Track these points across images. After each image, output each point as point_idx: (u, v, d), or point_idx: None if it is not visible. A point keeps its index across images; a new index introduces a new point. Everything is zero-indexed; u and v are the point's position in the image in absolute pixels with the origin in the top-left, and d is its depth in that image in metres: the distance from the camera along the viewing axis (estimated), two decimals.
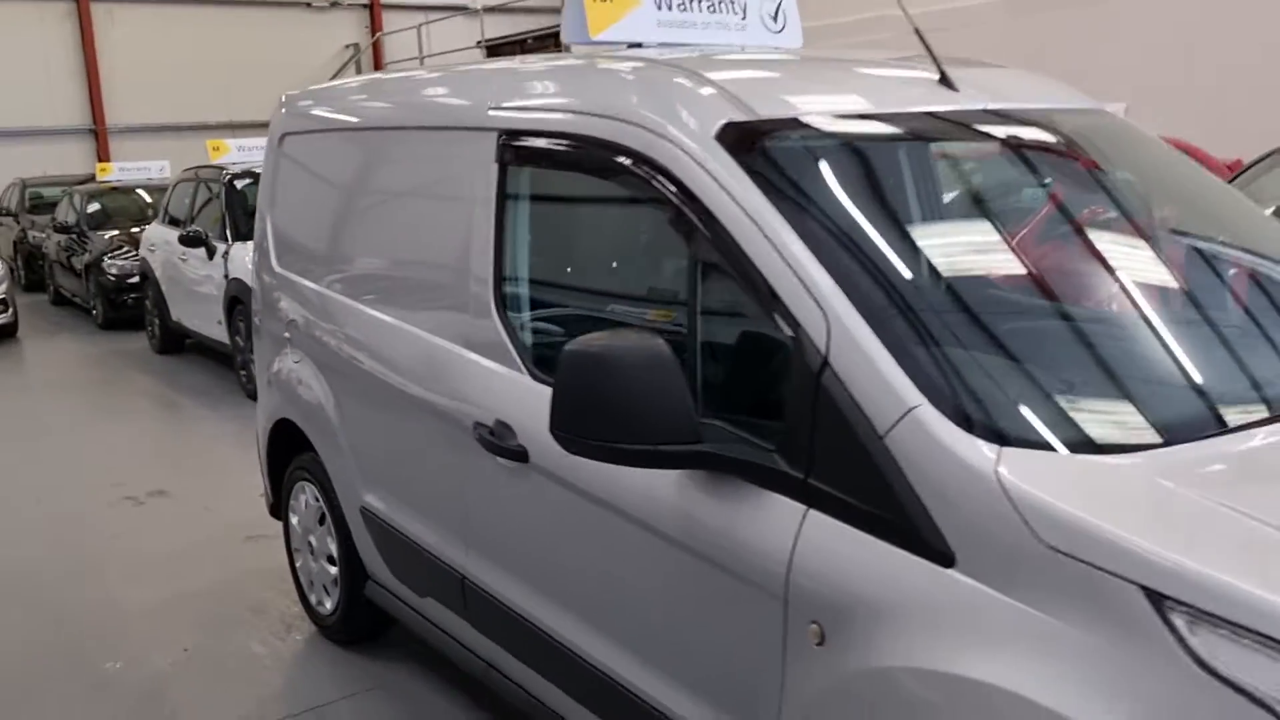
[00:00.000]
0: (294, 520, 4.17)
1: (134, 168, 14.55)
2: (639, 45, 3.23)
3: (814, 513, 1.99)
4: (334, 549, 3.86)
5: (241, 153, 10.18)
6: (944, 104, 2.58)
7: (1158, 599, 1.57)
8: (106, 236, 12.32)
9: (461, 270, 2.95)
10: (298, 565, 4.21)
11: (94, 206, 13.35)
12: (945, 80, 2.63)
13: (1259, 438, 1.88)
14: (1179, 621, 1.54)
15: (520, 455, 2.65)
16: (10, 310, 11.48)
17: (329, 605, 3.99)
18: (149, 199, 13.51)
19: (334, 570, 3.89)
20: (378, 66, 24.14)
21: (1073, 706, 1.59)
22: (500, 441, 2.71)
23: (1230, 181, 6.89)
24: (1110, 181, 2.60)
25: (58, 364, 10.39)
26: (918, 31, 2.75)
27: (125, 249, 11.79)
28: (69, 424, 7.94)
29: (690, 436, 2.07)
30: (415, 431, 3.17)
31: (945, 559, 1.79)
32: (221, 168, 9.60)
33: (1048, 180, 2.58)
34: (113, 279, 11.65)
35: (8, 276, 11.70)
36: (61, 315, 13.36)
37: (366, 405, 3.49)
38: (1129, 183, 2.67)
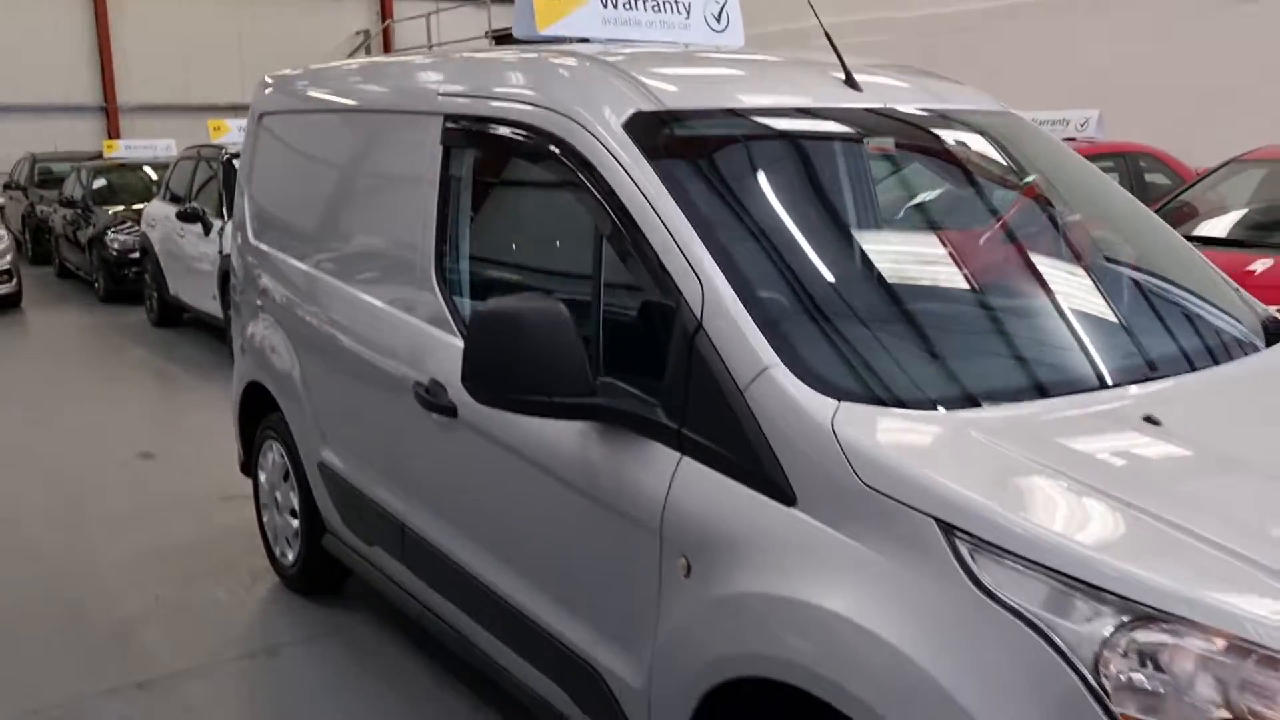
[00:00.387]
0: (262, 477, 4.44)
1: (140, 145, 14.84)
2: (586, 40, 3.48)
3: (686, 459, 2.24)
4: (296, 503, 4.12)
5: (241, 133, 10.43)
6: (841, 102, 2.83)
7: (949, 530, 1.82)
8: (110, 212, 12.60)
9: (408, 243, 3.21)
10: (264, 520, 4.48)
11: (100, 183, 13.64)
12: (850, 81, 2.88)
13: (1064, 405, 2.13)
14: (963, 549, 1.80)
15: (450, 411, 2.91)
16: (14, 280, 11.78)
17: (291, 556, 4.26)
18: (154, 176, 13.80)
19: (295, 523, 4.16)
20: (387, 53, 24.41)
21: (876, 622, 1.85)
22: (434, 399, 2.97)
23: (1187, 189, 7.14)
24: (979, 173, 2.85)
25: (58, 334, 10.68)
26: (829, 37, 3.01)
27: (128, 224, 12.06)
28: (65, 390, 8.22)
29: (584, 390, 2.33)
30: (366, 392, 3.44)
31: (788, 499, 2.05)
32: (221, 147, 9.88)
33: (921, 172, 2.83)
34: (115, 253, 11.94)
35: (13, 248, 11.98)
36: (65, 288, 13.66)
37: (325, 368, 3.75)
38: (1001, 175, 2.91)
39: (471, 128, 3.01)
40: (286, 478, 4.18)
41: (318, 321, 3.77)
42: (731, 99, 2.73)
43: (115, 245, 11.96)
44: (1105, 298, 2.63)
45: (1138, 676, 1.64)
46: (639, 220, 2.38)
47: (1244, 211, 6.77)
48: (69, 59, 20.81)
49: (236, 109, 19.35)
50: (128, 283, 11.82)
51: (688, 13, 3.79)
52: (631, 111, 2.56)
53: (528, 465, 2.67)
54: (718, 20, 3.90)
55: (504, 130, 2.86)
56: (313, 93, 4.10)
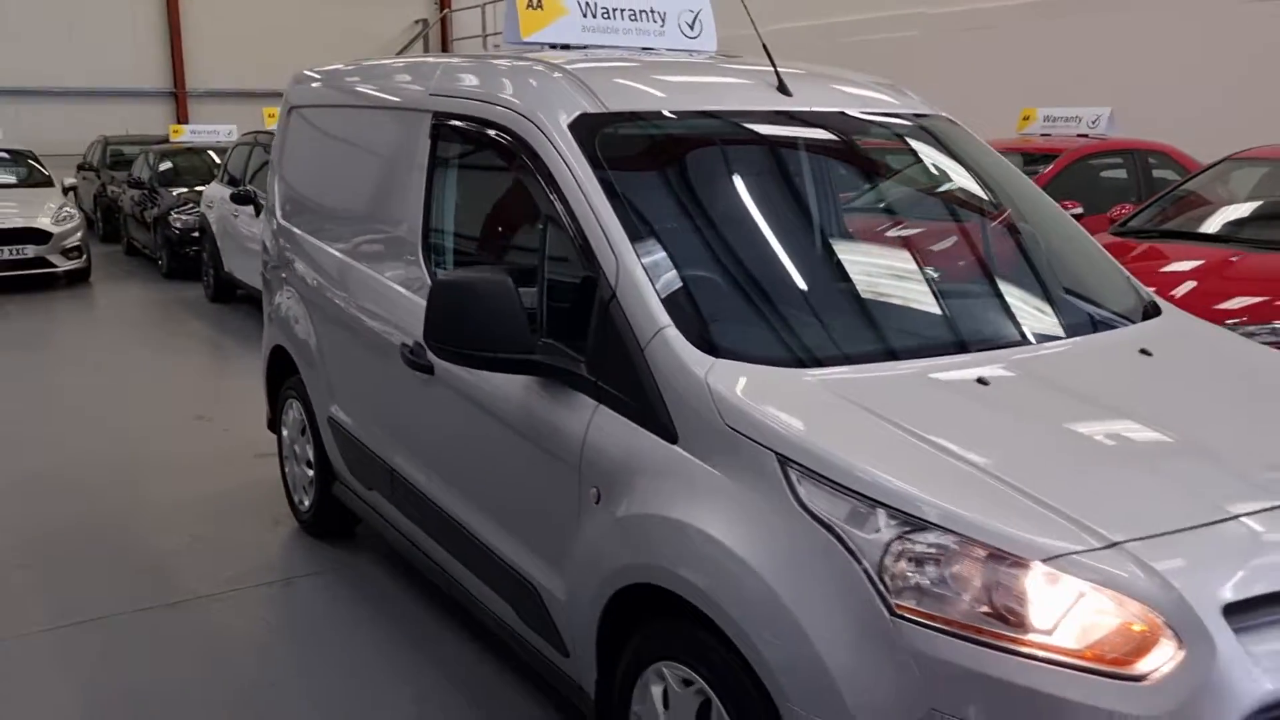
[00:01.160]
0: (284, 432, 4.96)
1: (204, 130, 15.57)
2: (567, 46, 3.93)
3: (601, 407, 2.68)
4: (311, 455, 4.63)
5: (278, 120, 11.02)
6: (772, 105, 3.25)
7: (784, 461, 2.24)
8: (174, 193, 13.30)
9: (401, 223, 3.69)
10: (286, 470, 5.00)
11: (165, 165, 14.37)
12: (782, 87, 3.30)
13: (906, 366, 2.55)
14: (793, 475, 2.22)
15: (429, 369, 3.38)
16: (84, 257, 12.53)
17: (307, 503, 4.78)
18: (217, 159, 14.49)
19: (310, 473, 4.67)
20: (444, 42, 25.05)
21: (727, 535, 2.28)
22: (416, 358, 3.44)
23: (1183, 183, 7.40)
24: (882, 167, 3.25)
25: (122, 307, 11.40)
26: (764, 47, 3.42)
27: (190, 205, 12.76)
28: (126, 357, 8.89)
29: (525, 348, 2.78)
30: (365, 354, 3.92)
31: (672, 437, 2.48)
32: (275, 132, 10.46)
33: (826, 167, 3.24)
34: (177, 232, 12.63)
35: (83, 226, 12.74)
36: (132, 264, 14.43)
37: (335, 333, 4.24)
38: (909, 169, 3.31)
39: (453, 124, 3.48)
40: (304, 432, 4.69)
41: (329, 292, 4.26)
42: (667, 103, 3.16)
43: (178, 225, 12.65)
44: (977, 278, 3.03)
45: (913, 577, 2.06)
46: (573, 206, 2.82)
47: (1230, 208, 7.00)
48: (142, 46, 21.69)
49: None
50: (188, 261, 12.50)
51: (662, 21, 4.20)
52: (578, 113, 3.00)
53: (486, 414, 3.13)
54: (691, 28, 4.30)
55: (478, 127, 3.32)
56: (333, 89, 4.60)
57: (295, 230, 4.72)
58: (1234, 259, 6.20)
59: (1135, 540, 2.04)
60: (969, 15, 13.14)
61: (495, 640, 3.67)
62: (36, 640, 3.90)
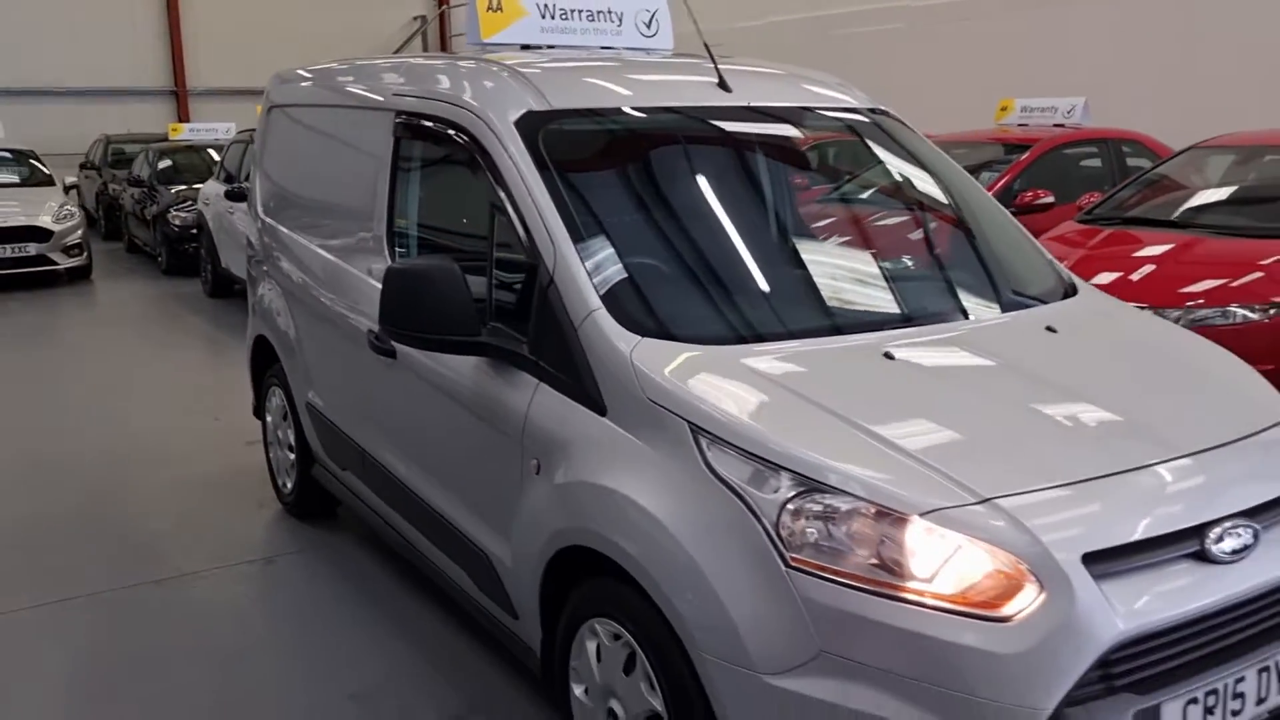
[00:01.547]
0: (268, 419, 5.18)
1: (203, 128, 15.80)
2: (529, 46, 4.13)
3: (541, 385, 2.89)
4: (292, 439, 4.85)
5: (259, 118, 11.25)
6: (710, 101, 3.45)
7: (695, 429, 2.45)
8: (173, 191, 13.53)
9: (368, 215, 3.90)
10: (270, 455, 5.23)
11: (165, 163, 14.60)
12: (722, 84, 3.50)
13: (821, 343, 2.75)
14: (703, 442, 2.43)
15: (391, 353, 3.59)
16: (85, 254, 12.77)
17: (289, 485, 5.00)
18: (216, 157, 14.72)
19: (292, 456, 4.89)
20: (442, 38, 25.26)
21: (648, 499, 2.48)
22: (380, 344, 3.65)
23: (1148, 172, 7.58)
24: (818, 159, 3.45)
25: (122, 303, 11.64)
26: (706, 46, 3.62)
27: (189, 203, 12.98)
28: (124, 352, 9.13)
29: (472, 331, 2.99)
30: (337, 341, 4.14)
31: (602, 411, 2.69)
32: None
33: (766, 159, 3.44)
34: (176, 229, 12.87)
35: (83, 224, 12.98)
36: (133, 261, 14.68)
37: (310, 322, 4.46)
38: (841, 161, 3.51)
39: (414, 121, 3.68)
40: (285, 418, 4.91)
41: (305, 283, 4.48)
42: (609, 100, 3.36)
43: (176, 222, 12.88)
44: (897, 262, 3.23)
45: (807, 532, 2.26)
46: (517, 198, 3.03)
47: (1193, 195, 7.18)
48: (142, 45, 21.95)
49: None
50: (187, 257, 12.73)
51: (619, 20, 4.39)
52: (524, 111, 3.21)
53: (441, 394, 3.34)
54: (648, 27, 4.49)
55: (435, 125, 3.53)
56: (308, 88, 4.81)
57: (275, 225, 4.93)
58: (1194, 244, 6.37)
59: (1006, 497, 2.25)
60: (951, 8, 13.32)
61: (461, 613, 3.88)
62: (30, 616, 4.13)
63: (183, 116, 21.65)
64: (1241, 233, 6.44)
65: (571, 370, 2.79)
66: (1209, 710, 2.30)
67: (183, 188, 13.65)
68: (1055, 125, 9.42)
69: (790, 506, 2.28)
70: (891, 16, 14.15)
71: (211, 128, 15.71)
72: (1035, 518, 2.22)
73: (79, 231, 12.70)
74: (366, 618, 4.04)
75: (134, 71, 21.79)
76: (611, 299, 2.77)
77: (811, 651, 2.23)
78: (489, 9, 4.10)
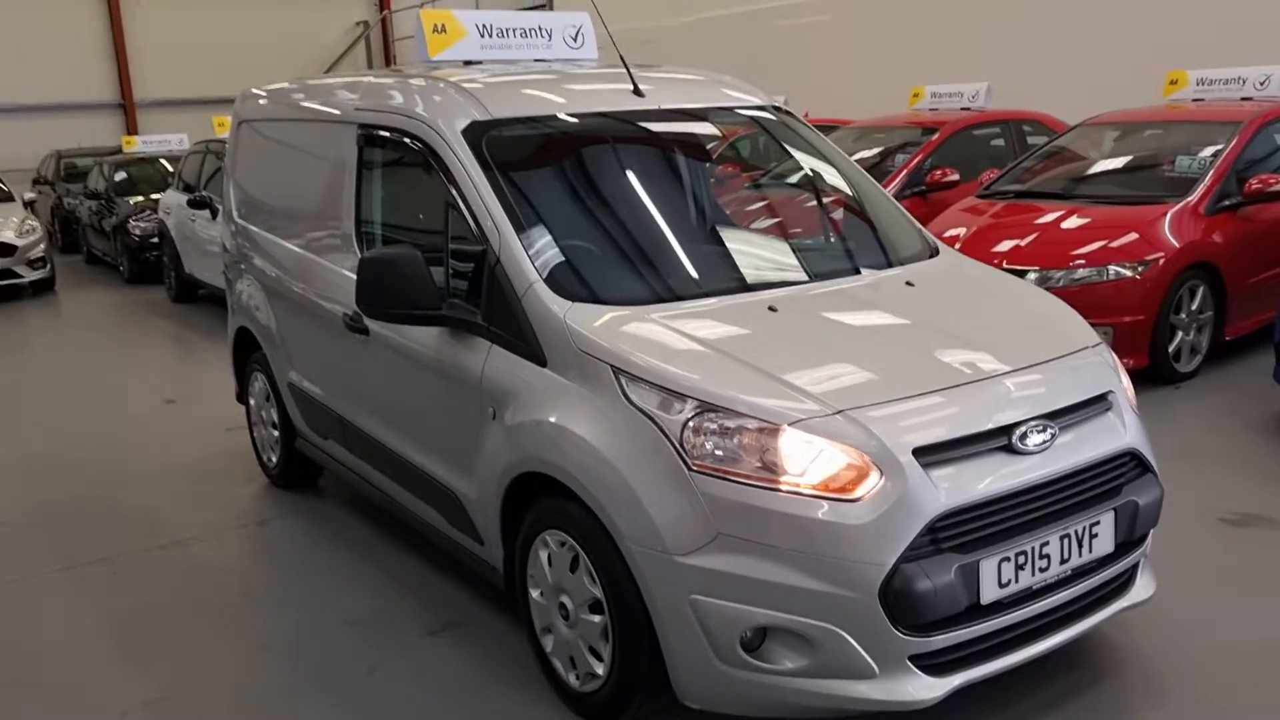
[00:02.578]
0: (251, 401, 5.76)
1: (156, 140, 16.20)
2: (471, 62, 4.73)
3: (494, 346, 3.52)
4: (275, 417, 5.44)
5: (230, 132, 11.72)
6: (627, 105, 4.09)
7: (616, 371, 3.10)
8: (131, 202, 13.96)
9: (337, 215, 4.50)
10: (254, 435, 5.81)
11: (120, 175, 15.00)
12: (636, 90, 4.14)
13: (716, 301, 3.42)
14: (623, 381, 3.07)
15: (365, 331, 4.20)
16: (48, 267, 13.18)
17: (274, 459, 5.59)
18: (170, 168, 15.13)
19: (275, 433, 5.48)
20: (386, 44, 25.66)
21: (581, 428, 3.13)
22: (355, 324, 4.26)
23: (1040, 149, 8.33)
24: (718, 150, 4.12)
25: (89, 311, 12.09)
26: (622, 58, 4.26)
27: (148, 212, 13.42)
28: (98, 355, 9.63)
29: (434, 306, 3.61)
30: (315, 325, 4.73)
31: (542, 363, 3.33)
32: (225, 141, 11.18)
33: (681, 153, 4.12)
34: (136, 239, 13.30)
35: (45, 238, 13.37)
36: (94, 272, 15.07)
37: (289, 311, 5.04)
38: (739, 150, 4.19)
39: (374, 132, 4.29)
40: (268, 399, 5.49)
41: (283, 278, 5.07)
42: (540, 108, 3.99)
43: (137, 232, 13.32)
44: (787, 233, 3.90)
45: (704, 443, 2.92)
46: (466, 194, 3.66)
47: (1079, 168, 7.95)
48: (88, 59, 22.18)
49: None
50: (149, 265, 13.17)
51: (549, 36, 5.00)
52: (469, 120, 3.83)
53: (410, 361, 3.96)
54: (575, 40, 5.11)
55: (394, 135, 4.14)
56: (277, 104, 5.39)
57: (251, 227, 5.50)
58: (1078, 212, 7.12)
59: (856, 408, 2.92)
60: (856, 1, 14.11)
61: (433, 552, 4.50)
62: (56, 577, 4.70)
63: (131, 129, 21.93)
64: (1121, 200, 7.21)
65: (517, 332, 3.42)
66: (1020, 567, 2.99)
67: (140, 198, 14.07)
68: (962, 109, 10.18)
69: (691, 424, 2.94)
70: (819, 9, 14.89)
71: (165, 139, 16.11)
72: (877, 423, 2.90)
73: (41, 245, 13.10)
74: (351, 562, 4.65)
75: (81, 86, 22.03)
76: (547, 273, 3.41)
77: (711, 534, 2.89)
78: (434, 30, 4.71)
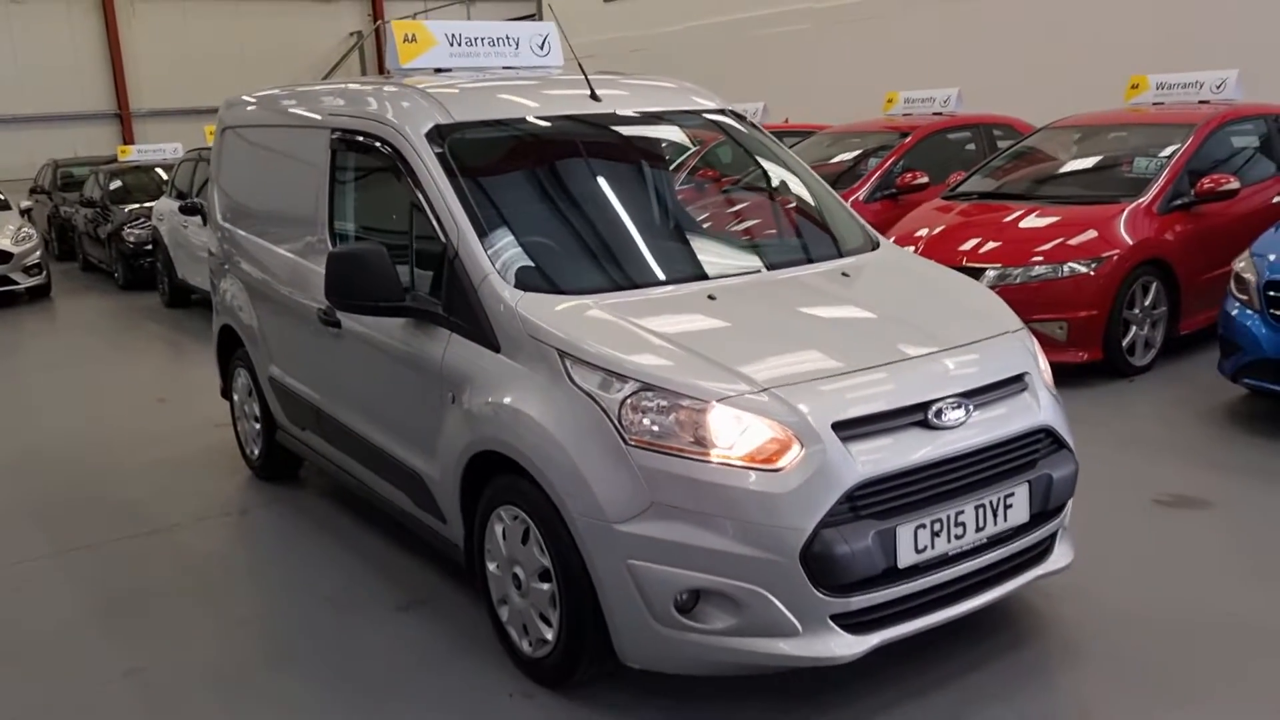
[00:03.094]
0: (235, 397, 6.00)
1: (150, 149, 16.46)
2: (441, 70, 4.97)
3: (453, 335, 3.76)
4: (257, 411, 5.67)
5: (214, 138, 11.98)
6: (585, 109, 4.34)
7: (562, 355, 3.33)
8: (126, 210, 14.19)
9: (312, 216, 4.74)
10: (238, 429, 6.04)
11: (115, 184, 15.24)
12: (593, 94, 4.38)
13: (659, 291, 3.65)
14: (568, 365, 3.31)
15: (337, 324, 4.44)
16: (44, 274, 13.42)
17: (256, 451, 5.82)
18: (164, 176, 15.39)
19: (257, 426, 5.71)
20: (379, 53, 25.92)
21: (531, 408, 3.36)
22: (329, 318, 4.49)
23: (1004, 152, 8.57)
24: (667, 151, 4.37)
25: (84, 316, 12.33)
26: (579, 64, 4.50)
27: (142, 220, 13.66)
28: (93, 357, 9.86)
29: (398, 298, 3.85)
30: (291, 320, 4.97)
31: (496, 349, 3.56)
32: None
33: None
34: (131, 246, 13.54)
35: (41, 245, 13.62)
36: (89, 279, 15.31)
37: (268, 308, 5.28)
38: (691, 152, 4.43)
39: (347, 137, 4.53)
40: (251, 394, 5.73)
41: (262, 275, 5.31)
42: (501, 112, 4.24)
43: (131, 239, 13.56)
44: (732, 228, 4.14)
45: (640, 419, 3.15)
46: (429, 194, 3.90)
47: (1042, 170, 8.20)
48: (85, 71, 22.49)
49: None
50: (143, 272, 13.41)
51: (516, 45, 5.25)
52: (432, 124, 4.07)
53: (378, 351, 4.19)
54: (541, 48, 5.36)
55: (364, 139, 4.38)
56: (257, 110, 5.63)
57: (234, 229, 5.74)
58: (1038, 212, 7.37)
59: (780, 386, 3.16)
60: (849, 9, 14.38)
61: (402, 535, 4.74)
62: (46, 562, 4.93)
63: (127, 138, 22.23)
64: (1081, 200, 7.45)
65: (474, 321, 3.66)
66: (936, 534, 3.22)
67: (135, 206, 14.31)
68: (935, 114, 10.43)
69: (629, 403, 3.17)
70: (799, 18, 15.18)
71: (159, 148, 16.36)
72: (799, 399, 3.13)
73: (37, 252, 13.34)
74: (327, 546, 4.88)
75: (77, 96, 22.33)
76: (501, 266, 3.65)
77: (646, 503, 3.12)
78: (405, 40, 4.96)
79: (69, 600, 4.51)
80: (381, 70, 25.47)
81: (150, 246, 13.06)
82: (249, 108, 5.76)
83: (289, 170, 5.12)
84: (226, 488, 5.83)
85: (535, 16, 20.05)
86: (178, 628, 4.20)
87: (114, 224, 14.08)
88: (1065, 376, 3.72)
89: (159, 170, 15.77)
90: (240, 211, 5.73)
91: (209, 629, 4.20)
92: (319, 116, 4.80)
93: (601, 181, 4.17)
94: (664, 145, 4.48)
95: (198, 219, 10.80)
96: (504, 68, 5.11)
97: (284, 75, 21.42)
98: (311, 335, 4.73)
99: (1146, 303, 6.97)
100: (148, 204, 14.12)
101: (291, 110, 5.20)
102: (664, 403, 3.15)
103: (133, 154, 16.49)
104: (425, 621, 4.11)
